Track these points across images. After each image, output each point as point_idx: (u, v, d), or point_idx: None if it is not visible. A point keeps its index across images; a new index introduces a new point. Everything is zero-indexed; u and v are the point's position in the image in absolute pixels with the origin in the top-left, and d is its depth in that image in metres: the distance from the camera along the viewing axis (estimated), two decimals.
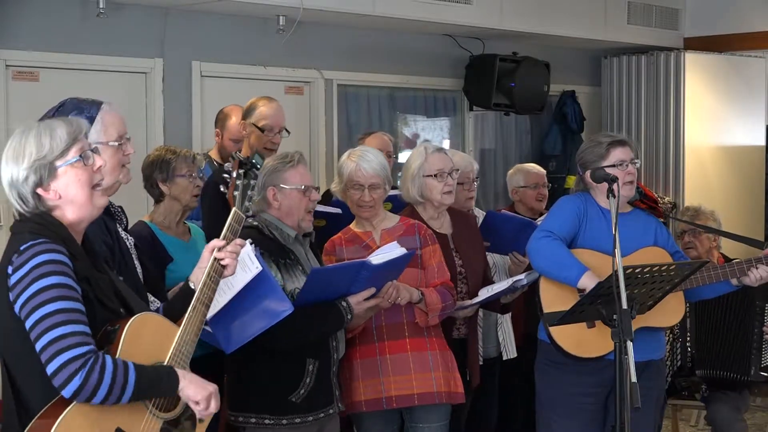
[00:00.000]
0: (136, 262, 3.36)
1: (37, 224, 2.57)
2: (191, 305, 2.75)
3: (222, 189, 3.19)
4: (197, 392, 2.64)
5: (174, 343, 2.69)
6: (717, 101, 8.26)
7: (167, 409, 2.68)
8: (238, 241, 2.92)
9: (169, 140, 5.95)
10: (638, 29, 8.20)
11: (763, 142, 8.57)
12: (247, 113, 4.80)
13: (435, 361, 3.89)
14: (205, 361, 3.26)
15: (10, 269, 2.52)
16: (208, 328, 3.12)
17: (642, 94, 8.25)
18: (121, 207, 3.46)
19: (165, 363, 2.66)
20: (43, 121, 2.72)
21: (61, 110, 3.21)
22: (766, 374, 5.03)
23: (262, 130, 4.70)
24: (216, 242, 2.88)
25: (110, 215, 3.28)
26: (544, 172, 5.63)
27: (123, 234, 3.36)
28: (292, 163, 3.64)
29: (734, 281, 3.98)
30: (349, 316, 3.56)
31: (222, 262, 2.85)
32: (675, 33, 8.51)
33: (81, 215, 2.64)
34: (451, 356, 3.97)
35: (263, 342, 3.31)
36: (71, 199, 2.62)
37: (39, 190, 2.59)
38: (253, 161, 3.13)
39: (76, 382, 2.43)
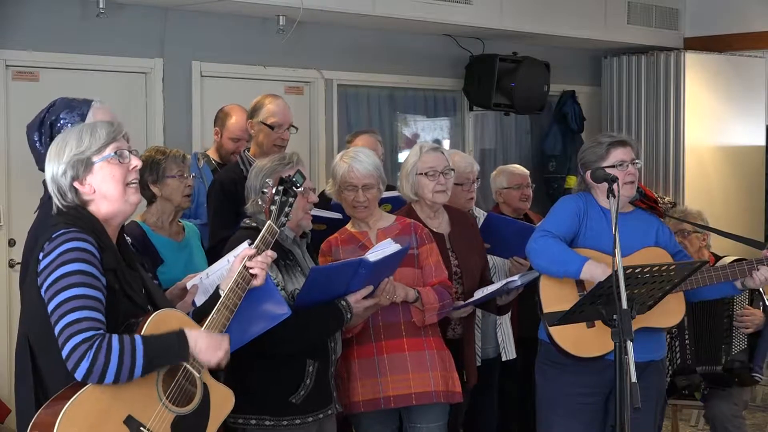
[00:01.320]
0: None
1: (72, 216, 2.71)
2: (215, 308, 2.89)
3: (259, 202, 3.28)
4: (208, 358, 2.77)
5: None
6: (717, 101, 8.26)
7: (181, 404, 2.73)
8: (269, 252, 3.05)
9: (169, 140, 5.96)
10: (638, 29, 8.20)
11: (763, 142, 8.57)
12: (253, 112, 4.77)
13: (433, 361, 3.88)
14: None
15: (41, 255, 2.67)
16: None
17: (642, 94, 8.25)
18: None
19: None
20: (87, 122, 2.89)
21: (51, 110, 3.24)
22: (738, 360, 5.03)
23: (271, 127, 4.69)
24: (248, 251, 3.01)
25: None
26: (527, 172, 5.62)
27: None
28: (291, 165, 3.63)
29: (738, 284, 3.96)
30: (348, 316, 3.55)
31: (251, 272, 2.99)
32: (675, 33, 8.51)
33: (114, 210, 2.78)
34: (449, 356, 3.97)
35: (265, 346, 3.30)
36: (104, 194, 2.76)
37: (76, 184, 2.74)
38: (294, 179, 3.19)
39: (84, 364, 2.53)
